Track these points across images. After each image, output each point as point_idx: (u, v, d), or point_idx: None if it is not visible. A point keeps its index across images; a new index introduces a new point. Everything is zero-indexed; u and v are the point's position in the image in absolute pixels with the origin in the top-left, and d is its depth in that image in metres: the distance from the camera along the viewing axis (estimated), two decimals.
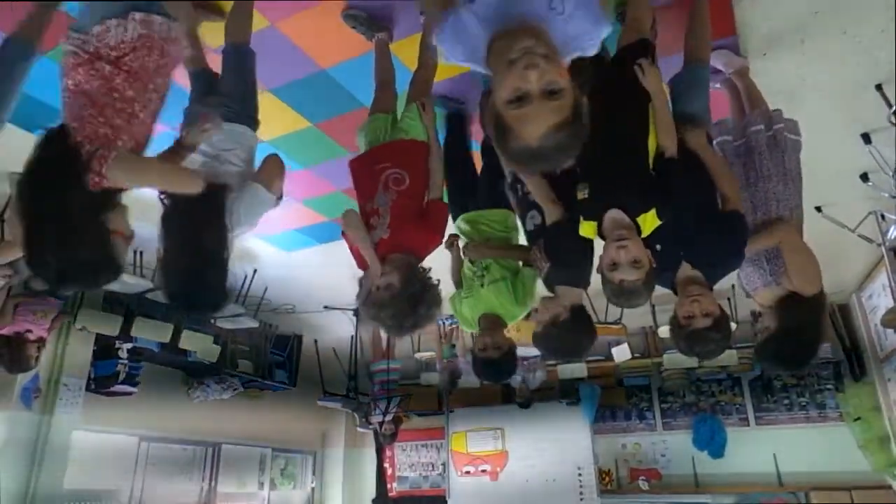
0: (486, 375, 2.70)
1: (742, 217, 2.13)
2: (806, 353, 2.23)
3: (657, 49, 2.19)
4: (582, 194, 1.98)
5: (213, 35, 2.41)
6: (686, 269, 2.09)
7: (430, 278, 2.08)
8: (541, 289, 2.46)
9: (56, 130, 1.50)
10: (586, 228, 2.00)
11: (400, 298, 1.97)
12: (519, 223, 2.67)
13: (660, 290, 2.05)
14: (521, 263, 2.62)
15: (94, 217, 1.42)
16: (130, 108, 1.55)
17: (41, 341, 3.85)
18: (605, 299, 2.02)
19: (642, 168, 1.96)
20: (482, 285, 2.58)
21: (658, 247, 1.99)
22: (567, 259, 2.20)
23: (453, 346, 6.14)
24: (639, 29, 2.11)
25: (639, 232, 1.91)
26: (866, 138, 3.37)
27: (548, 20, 1.46)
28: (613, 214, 1.91)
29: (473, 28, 1.51)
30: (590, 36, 1.53)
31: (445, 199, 2.47)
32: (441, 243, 2.33)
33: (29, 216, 1.42)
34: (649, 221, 1.91)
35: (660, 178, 1.91)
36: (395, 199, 2.14)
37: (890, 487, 5.75)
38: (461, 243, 2.79)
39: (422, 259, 2.13)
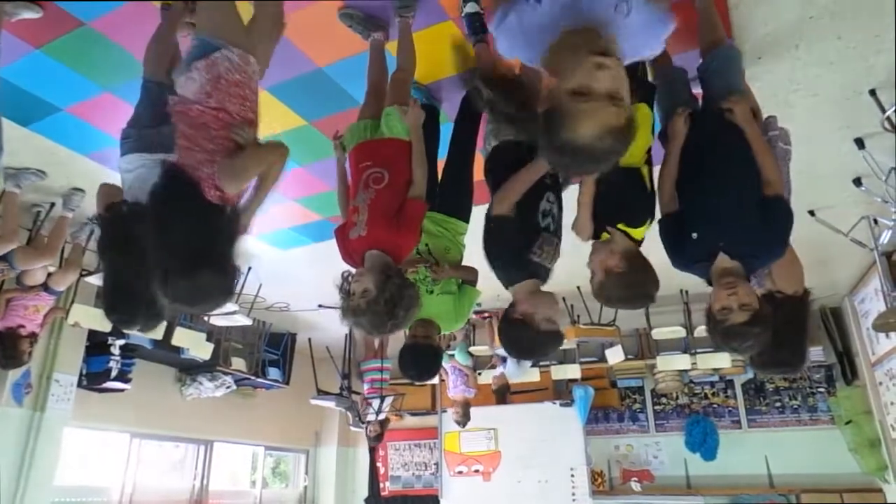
0: (407, 365, 2.60)
1: (786, 202, 2.05)
2: (793, 352, 2.19)
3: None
4: None
5: None
6: (723, 260, 1.97)
7: (406, 279, 2.03)
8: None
9: (167, 167, 1.67)
10: None
11: (377, 303, 1.92)
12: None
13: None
14: (461, 281, 2.66)
15: (221, 241, 1.53)
16: (218, 133, 1.67)
17: (33, 336, 3.83)
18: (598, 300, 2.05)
19: (635, 181, 2.05)
20: (431, 292, 2.56)
21: (694, 235, 1.99)
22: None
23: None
24: None
25: (635, 242, 1.97)
26: (860, 143, 3.39)
27: (614, 23, 1.49)
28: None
29: (536, 25, 1.53)
30: (655, 36, 1.58)
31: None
32: (416, 244, 2.29)
33: (158, 239, 1.53)
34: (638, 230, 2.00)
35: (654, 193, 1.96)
36: (373, 197, 2.12)
37: (880, 490, 5.80)
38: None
39: (400, 259, 2.09)
